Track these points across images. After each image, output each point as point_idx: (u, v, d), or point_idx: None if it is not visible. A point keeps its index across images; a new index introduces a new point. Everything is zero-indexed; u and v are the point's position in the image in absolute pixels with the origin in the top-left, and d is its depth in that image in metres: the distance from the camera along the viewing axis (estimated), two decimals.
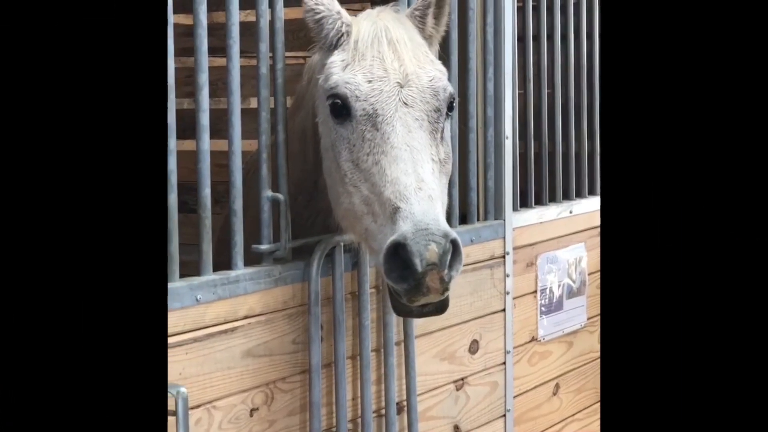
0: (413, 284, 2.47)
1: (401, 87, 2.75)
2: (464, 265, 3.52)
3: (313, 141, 3.00)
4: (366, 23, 2.87)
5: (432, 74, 2.83)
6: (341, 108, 2.74)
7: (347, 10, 3.00)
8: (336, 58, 2.83)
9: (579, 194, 4.42)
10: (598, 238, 4.43)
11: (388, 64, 2.78)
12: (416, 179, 2.59)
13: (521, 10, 4.14)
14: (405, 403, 3.31)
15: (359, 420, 3.15)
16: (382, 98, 2.71)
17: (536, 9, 4.24)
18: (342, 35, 2.86)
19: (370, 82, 2.74)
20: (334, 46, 2.86)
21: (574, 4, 4.41)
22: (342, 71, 2.78)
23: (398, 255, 2.47)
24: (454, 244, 2.50)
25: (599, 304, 4.47)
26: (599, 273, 4.45)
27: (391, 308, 3.16)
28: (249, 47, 3.02)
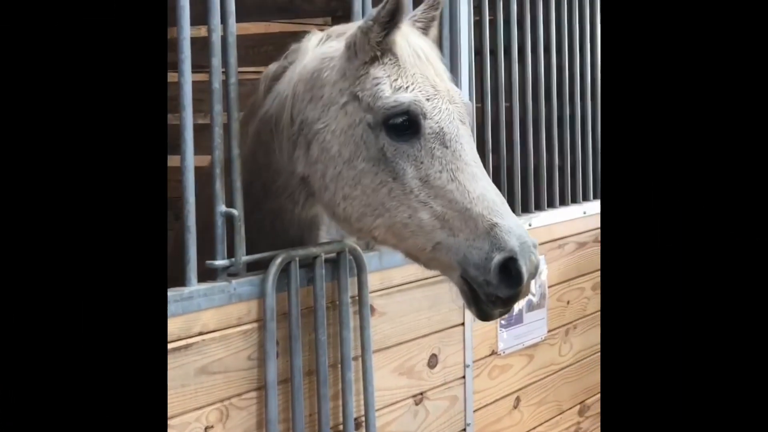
0: (518, 291, 2.69)
1: (450, 104, 2.84)
2: (423, 279, 3.57)
3: (270, 143, 3.00)
4: (397, 38, 2.87)
5: (459, 90, 2.98)
6: (407, 125, 2.79)
7: (311, 26, 3.02)
8: (380, 74, 2.83)
9: (538, 207, 4.43)
10: (558, 251, 4.45)
11: (433, 81, 2.86)
12: (497, 195, 2.77)
13: (478, 24, 4.15)
14: (363, 418, 3.30)
15: None
16: (444, 116, 2.81)
17: (493, 23, 4.26)
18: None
19: (428, 100, 2.81)
20: (373, 60, 2.85)
21: (531, 18, 4.43)
22: (391, 88, 2.80)
23: (507, 267, 2.65)
24: None
25: (560, 317, 4.49)
26: (559, 286, 4.46)
27: (346, 324, 3.16)
28: (204, 62, 3.00)
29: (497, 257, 2.66)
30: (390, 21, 2.80)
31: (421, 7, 3.10)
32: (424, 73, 2.86)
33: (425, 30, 3.05)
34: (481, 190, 2.75)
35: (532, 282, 2.77)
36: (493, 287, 2.68)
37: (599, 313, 4.81)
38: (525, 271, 2.65)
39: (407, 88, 2.81)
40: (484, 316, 2.83)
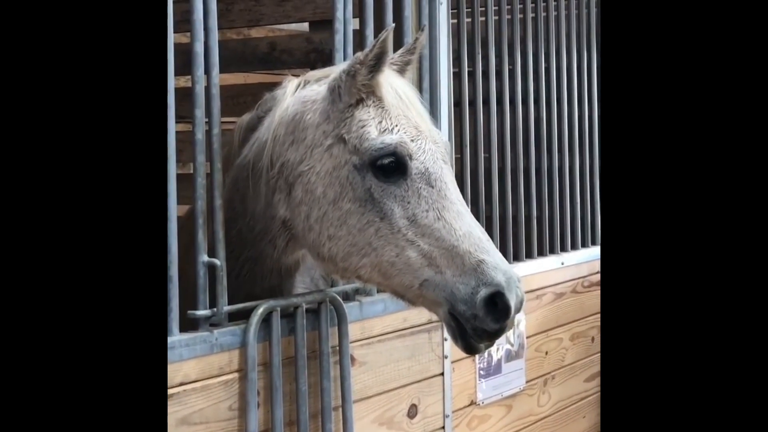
0: (505, 324, 2.75)
1: (433, 144, 2.90)
2: (402, 329, 3.57)
3: (246, 190, 3.02)
4: (380, 79, 2.90)
5: (439, 131, 3.04)
6: (394, 167, 2.83)
7: (292, 75, 3.06)
8: (365, 117, 2.87)
9: (516, 257, 4.45)
10: (536, 301, 4.46)
11: (415, 122, 2.90)
12: (482, 232, 2.83)
13: (457, 76, 4.19)
14: None
15: None
16: (428, 157, 2.86)
17: (472, 74, 4.30)
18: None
19: (413, 141, 2.86)
20: (358, 102, 2.88)
21: (509, 69, 4.48)
22: (377, 130, 2.85)
23: (494, 301, 2.71)
24: None
25: (538, 367, 4.49)
26: (537, 336, 4.47)
27: (326, 374, 3.16)
28: (185, 112, 3.02)
29: (484, 291, 2.72)
30: (376, 64, 2.84)
31: (400, 51, 3.14)
32: (407, 115, 2.90)
33: (401, 73, 3.09)
34: (466, 227, 2.80)
35: (511, 331, 2.81)
36: (480, 321, 2.73)
37: (577, 363, 4.82)
38: (512, 304, 2.71)
39: (392, 129, 2.85)
40: (470, 349, 2.87)
